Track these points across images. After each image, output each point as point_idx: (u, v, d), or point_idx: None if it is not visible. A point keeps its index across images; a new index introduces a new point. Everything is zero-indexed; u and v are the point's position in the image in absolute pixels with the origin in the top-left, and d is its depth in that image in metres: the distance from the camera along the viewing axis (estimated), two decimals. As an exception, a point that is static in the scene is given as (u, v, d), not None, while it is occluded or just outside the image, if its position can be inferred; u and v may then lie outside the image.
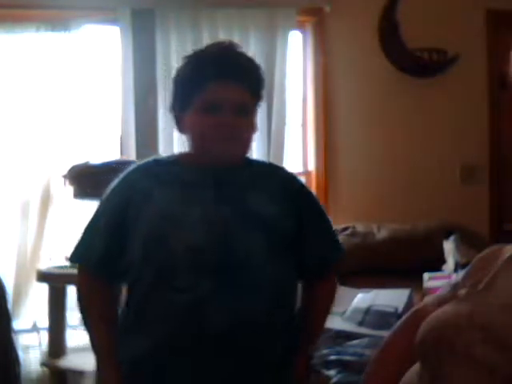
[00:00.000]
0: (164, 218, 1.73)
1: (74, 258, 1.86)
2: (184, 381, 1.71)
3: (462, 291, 1.36)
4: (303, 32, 4.20)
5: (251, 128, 1.82)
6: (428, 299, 1.56)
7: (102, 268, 1.80)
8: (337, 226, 3.98)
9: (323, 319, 1.96)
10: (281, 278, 1.78)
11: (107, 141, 4.04)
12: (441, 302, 1.39)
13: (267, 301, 1.73)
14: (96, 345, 1.82)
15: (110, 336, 1.79)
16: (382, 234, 3.87)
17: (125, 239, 1.76)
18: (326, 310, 1.97)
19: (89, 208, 3.25)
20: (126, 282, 1.82)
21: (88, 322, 1.84)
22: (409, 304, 2.93)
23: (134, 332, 1.76)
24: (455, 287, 1.41)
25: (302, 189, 1.92)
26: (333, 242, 1.95)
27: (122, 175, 1.85)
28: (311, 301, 1.92)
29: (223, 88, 1.75)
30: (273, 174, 1.90)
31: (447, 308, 1.32)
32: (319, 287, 1.92)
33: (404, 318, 1.54)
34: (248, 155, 1.88)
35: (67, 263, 2.97)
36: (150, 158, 1.91)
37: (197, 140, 1.80)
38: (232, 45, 1.83)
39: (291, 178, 1.93)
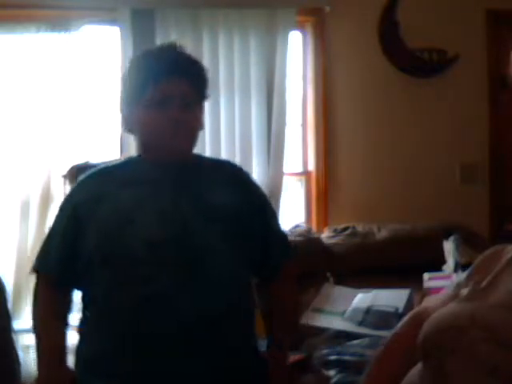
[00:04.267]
0: (119, 215, 1.76)
1: (34, 266, 1.92)
2: (148, 374, 1.71)
3: (465, 290, 1.36)
4: (303, 32, 4.19)
5: (197, 122, 1.88)
6: (430, 299, 1.57)
7: (59, 273, 1.85)
8: (337, 225, 3.99)
9: (290, 314, 2.06)
10: (240, 272, 1.82)
11: (107, 141, 4.04)
12: (443, 302, 1.39)
13: (228, 294, 1.75)
14: (45, 345, 1.84)
15: (62, 337, 1.85)
16: (382, 233, 3.87)
17: (80, 242, 1.80)
18: (291, 306, 2.07)
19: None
20: (84, 283, 1.84)
21: (39, 323, 1.87)
22: (409, 304, 2.94)
23: (94, 330, 1.79)
24: (458, 286, 1.41)
25: (250, 181, 2.00)
26: (284, 239, 2.04)
27: (76, 183, 1.92)
28: (277, 297, 1.98)
29: (171, 83, 1.80)
30: (223, 168, 1.98)
31: (449, 308, 1.32)
32: (277, 285, 1.98)
33: (406, 318, 1.54)
34: (202, 153, 1.98)
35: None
36: (104, 164, 1.97)
37: (146, 135, 1.85)
38: (179, 45, 1.90)
39: (240, 170, 2.00)
